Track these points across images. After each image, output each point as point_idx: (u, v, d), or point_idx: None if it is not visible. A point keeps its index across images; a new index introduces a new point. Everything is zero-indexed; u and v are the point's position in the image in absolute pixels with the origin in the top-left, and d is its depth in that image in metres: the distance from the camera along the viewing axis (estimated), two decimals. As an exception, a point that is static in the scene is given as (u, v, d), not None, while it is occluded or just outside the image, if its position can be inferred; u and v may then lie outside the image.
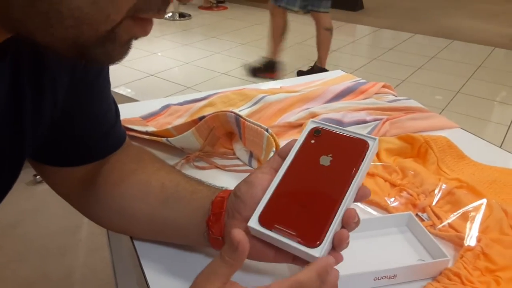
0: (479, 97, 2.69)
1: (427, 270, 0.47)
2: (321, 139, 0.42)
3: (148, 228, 0.48)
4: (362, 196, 0.40)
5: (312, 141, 0.42)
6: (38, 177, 1.68)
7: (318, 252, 0.35)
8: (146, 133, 0.69)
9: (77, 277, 1.30)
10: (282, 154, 0.42)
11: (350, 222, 0.37)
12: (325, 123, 0.43)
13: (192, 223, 0.45)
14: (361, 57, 3.48)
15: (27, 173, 1.70)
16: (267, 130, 0.62)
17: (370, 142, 0.41)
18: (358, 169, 0.39)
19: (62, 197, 0.54)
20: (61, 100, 0.43)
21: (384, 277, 0.46)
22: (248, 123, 0.63)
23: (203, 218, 0.44)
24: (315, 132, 0.42)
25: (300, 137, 0.43)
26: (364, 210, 0.57)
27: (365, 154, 0.40)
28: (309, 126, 0.43)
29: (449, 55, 3.47)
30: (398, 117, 0.78)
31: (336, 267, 0.36)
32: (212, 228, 0.43)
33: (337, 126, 0.42)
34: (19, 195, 1.60)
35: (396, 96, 0.89)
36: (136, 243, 0.50)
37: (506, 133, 2.27)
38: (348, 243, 0.37)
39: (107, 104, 0.51)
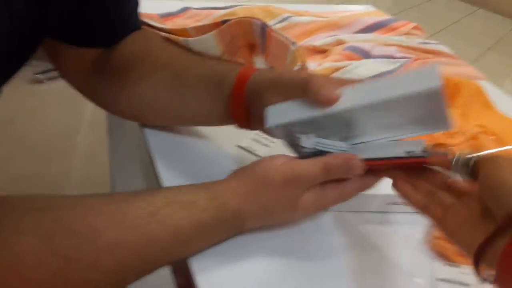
0: (494, 70, 2.62)
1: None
2: None
3: (162, 114, 0.46)
4: None
5: None
6: (39, 75, 1.63)
7: None
8: (163, 30, 0.64)
9: (72, 180, 1.30)
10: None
11: None
12: None
13: (209, 109, 0.44)
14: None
15: (28, 70, 1.65)
16: (293, 44, 0.57)
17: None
18: None
19: (70, 82, 0.51)
20: None
21: (397, 203, 0.44)
22: (275, 34, 0.59)
23: (221, 106, 0.43)
24: None
25: None
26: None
27: None
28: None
29: (471, 23, 3.33)
30: (427, 58, 0.74)
31: None
32: (234, 115, 0.43)
33: None
34: (19, 92, 1.55)
35: (424, 39, 0.85)
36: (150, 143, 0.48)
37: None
38: None
39: None
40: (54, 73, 1.63)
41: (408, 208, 0.45)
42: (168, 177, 0.44)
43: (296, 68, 0.57)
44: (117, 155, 0.88)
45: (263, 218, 0.37)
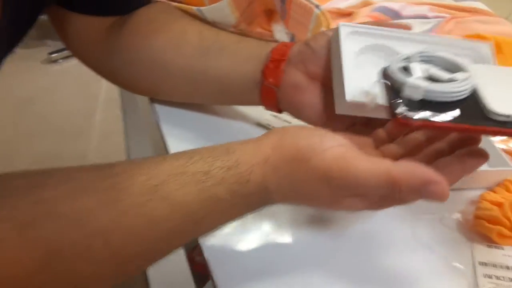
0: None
1: (485, 178, 0.41)
2: None
3: (184, 83, 0.42)
4: None
5: None
6: (53, 55, 1.61)
7: None
8: (175, 0, 0.60)
9: (90, 160, 1.30)
10: None
11: None
12: None
13: (240, 73, 0.39)
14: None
15: (42, 51, 1.64)
16: (317, 7, 0.53)
17: None
18: None
19: (78, 55, 0.48)
20: None
21: (437, 181, 0.40)
22: (296, -3, 0.54)
23: (255, 67, 0.38)
24: None
25: None
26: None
27: None
28: None
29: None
30: (463, 17, 0.67)
31: None
32: (268, 77, 0.37)
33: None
34: (33, 73, 1.55)
35: (460, -3, 0.78)
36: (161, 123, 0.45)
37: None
38: None
39: None
40: (68, 52, 1.61)
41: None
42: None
43: (320, 34, 0.52)
44: (131, 133, 0.86)
45: (294, 200, 0.30)
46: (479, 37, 0.58)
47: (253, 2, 0.58)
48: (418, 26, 0.59)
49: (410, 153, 0.31)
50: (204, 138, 0.44)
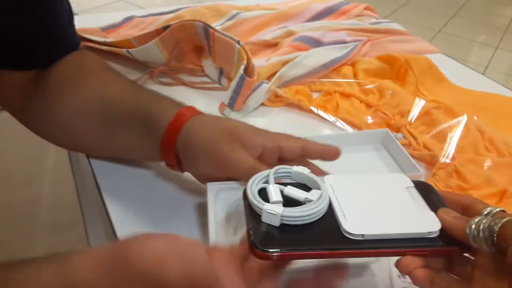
0: (459, 37, 2.66)
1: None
2: None
3: (98, 147, 0.44)
4: None
5: None
6: (-2, 104, 1.58)
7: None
8: (105, 43, 0.62)
9: (43, 206, 1.27)
10: None
11: None
12: None
13: (144, 151, 0.41)
14: (344, -8, 3.33)
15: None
16: (238, 42, 0.56)
17: None
18: None
19: (5, 108, 0.49)
20: None
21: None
22: (218, 34, 0.57)
23: (156, 153, 0.40)
24: None
25: None
26: (339, 128, 0.54)
27: None
28: None
29: (433, -7, 3.37)
30: (379, 38, 0.74)
31: None
32: (169, 164, 0.40)
33: None
34: (-21, 123, 1.51)
35: (378, 19, 0.84)
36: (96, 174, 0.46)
37: (483, 73, 2.28)
38: None
39: (59, 4, 0.44)
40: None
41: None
42: (113, 201, 0.42)
43: (243, 65, 0.55)
44: (80, 177, 0.86)
45: None
46: (389, 57, 0.63)
47: (181, 41, 0.62)
48: (336, 52, 0.64)
49: None
50: (140, 186, 0.45)
